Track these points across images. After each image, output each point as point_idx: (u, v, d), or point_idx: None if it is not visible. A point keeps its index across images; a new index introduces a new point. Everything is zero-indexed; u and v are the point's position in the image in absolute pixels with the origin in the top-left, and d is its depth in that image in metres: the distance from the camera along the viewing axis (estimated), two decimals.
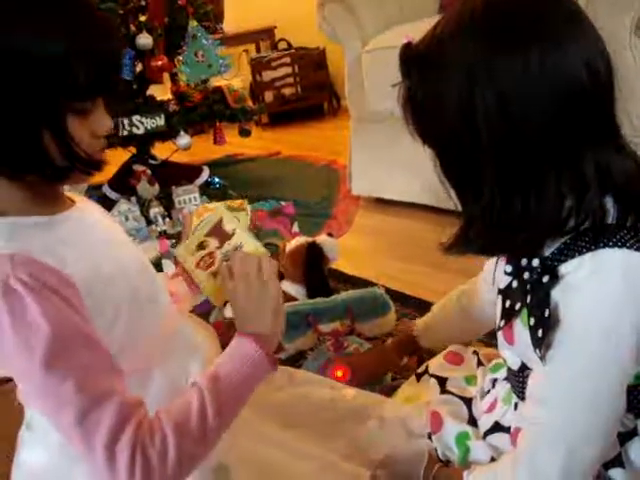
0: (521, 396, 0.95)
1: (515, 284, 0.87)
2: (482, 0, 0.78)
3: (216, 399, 0.82)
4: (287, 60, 4.35)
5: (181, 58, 3.03)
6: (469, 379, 1.12)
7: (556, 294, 0.80)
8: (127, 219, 2.64)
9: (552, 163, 0.77)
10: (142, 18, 2.95)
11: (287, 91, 4.40)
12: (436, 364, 1.18)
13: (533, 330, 0.81)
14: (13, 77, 0.73)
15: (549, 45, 0.74)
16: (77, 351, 0.78)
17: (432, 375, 1.15)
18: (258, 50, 4.89)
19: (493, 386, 1.08)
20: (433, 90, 0.81)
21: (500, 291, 0.94)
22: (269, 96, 4.42)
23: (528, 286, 0.83)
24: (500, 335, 0.94)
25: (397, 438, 1.09)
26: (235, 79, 4.70)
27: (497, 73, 0.75)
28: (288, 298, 1.63)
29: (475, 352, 1.18)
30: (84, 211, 0.94)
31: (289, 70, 4.36)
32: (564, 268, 0.80)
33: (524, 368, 0.92)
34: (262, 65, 4.40)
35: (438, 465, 1.03)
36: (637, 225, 0.78)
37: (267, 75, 4.38)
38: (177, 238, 2.12)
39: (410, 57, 0.84)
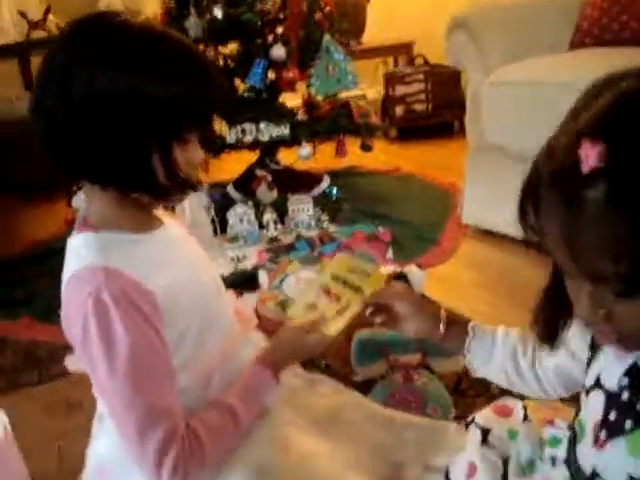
0: None
1: (626, 397, 0.82)
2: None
3: (242, 421, 1.00)
4: (421, 76, 4.36)
5: (312, 71, 3.14)
6: (512, 433, 1.12)
7: None
8: (241, 221, 2.77)
9: None
10: (279, 30, 3.08)
11: (418, 107, 4.42)
12: (483, 414, 1.18)
13: None
14: (138, 111, 0.88)
15: None
16: (150, 368, 0.92)
17: (477, 425, 1.16)
18: (396, 64, 4.94)
19: (553, 464, 1.03)
20: None
21: (604, 390, 0.87)
22: (400, 110, 4.45)
23: None
24: (590, 431, 0.88)
25: None
26: (370, 90, 4.80)
27: None
28: (366, 322, 1.67)
29: (524, 406, 1.17)
30: (169, 230, 1.05)
31: (422, 86, 4.37)
32: None
33: (596, 475, 0.87)
34: (395, 79, 4.44)
35: None
36: None
37: (400, 90, 4.41)
38: (277, 251, 2.21)
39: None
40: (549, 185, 0.70)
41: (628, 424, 0.80)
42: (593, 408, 0.87)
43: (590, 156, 0.64)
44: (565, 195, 0.67)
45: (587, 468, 0.89)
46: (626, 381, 0.82)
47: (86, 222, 0.98)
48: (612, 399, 0.84)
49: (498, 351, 1.12)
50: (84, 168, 0.93)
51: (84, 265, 0.92)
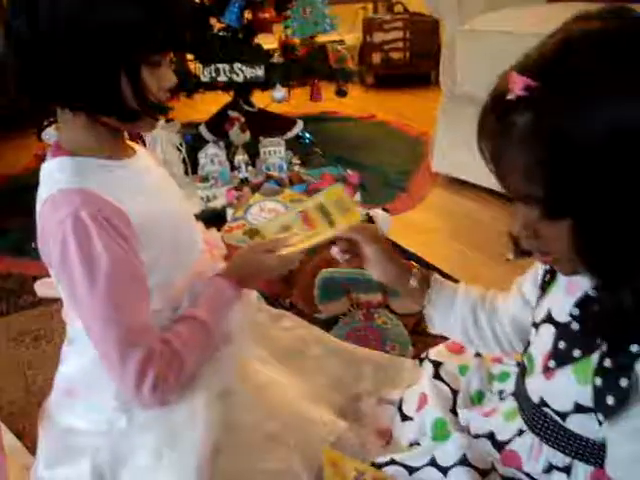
0: (538, 432, 0.94)
1: (576, 327, 0.85)
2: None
3: (213, 333, 1.03)
4: (399, 24, 4.32)
5: (290, 12, 3.10)
6: (462, 368, 1.17)
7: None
8: (213, 162, 2.77)
9: None
10: None
11: (395, 55, 4.39)
12: (436, 350, 1.23)
13: (600, 393, 0.80)
14: (104, 36, 0.88)
15: None
16: (128, 285, 0.94)
17: (430, 360, 1.21)
18: (375, 10, 4.88)
19: (501, 398, 1.08)
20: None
21: (555, 323, 0.91)
22: (377, 58, 4.42)
23: (601, 343, 0.81)
24: (540, 362, 0.92)
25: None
26: (348, 35, 4.74)
27: None
28: (332, 263, 1.71)
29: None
30: (142, 160, 1.07)
31: (400, 34, 4.33)
32: None
33: (544, 404, 0.91)
34: (374, 26, 4.39)
35: None
36: None
37: (378, 37, 4.37)
38: (248, 189, 2.22)
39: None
40: (488, 110, 0.77)
41: (577, 353, 0.84)
42: (543, 340, 0.92)
43: (515, 85, 0.71)
44: (495, 119, 0.75)
45: (535, 398, 0.93)
46: (577, 312, 0.87)
47: (59, 148, 0.99)
48: (562, 330, 0.89)
49: (458, 304, 1.10)
50: (52, 93, 0.94)
51: (59, 188, 0.94)
